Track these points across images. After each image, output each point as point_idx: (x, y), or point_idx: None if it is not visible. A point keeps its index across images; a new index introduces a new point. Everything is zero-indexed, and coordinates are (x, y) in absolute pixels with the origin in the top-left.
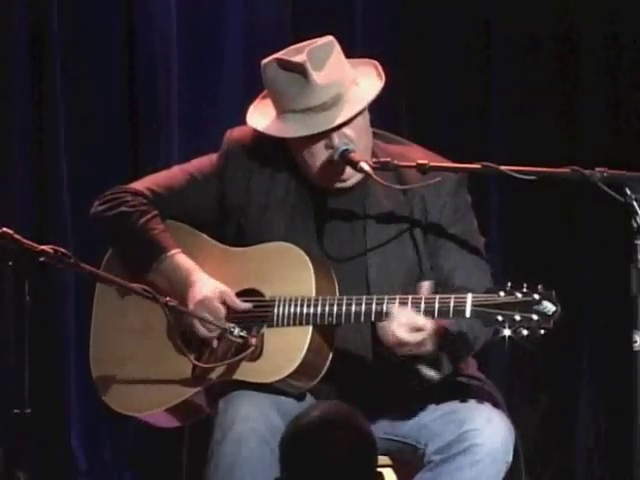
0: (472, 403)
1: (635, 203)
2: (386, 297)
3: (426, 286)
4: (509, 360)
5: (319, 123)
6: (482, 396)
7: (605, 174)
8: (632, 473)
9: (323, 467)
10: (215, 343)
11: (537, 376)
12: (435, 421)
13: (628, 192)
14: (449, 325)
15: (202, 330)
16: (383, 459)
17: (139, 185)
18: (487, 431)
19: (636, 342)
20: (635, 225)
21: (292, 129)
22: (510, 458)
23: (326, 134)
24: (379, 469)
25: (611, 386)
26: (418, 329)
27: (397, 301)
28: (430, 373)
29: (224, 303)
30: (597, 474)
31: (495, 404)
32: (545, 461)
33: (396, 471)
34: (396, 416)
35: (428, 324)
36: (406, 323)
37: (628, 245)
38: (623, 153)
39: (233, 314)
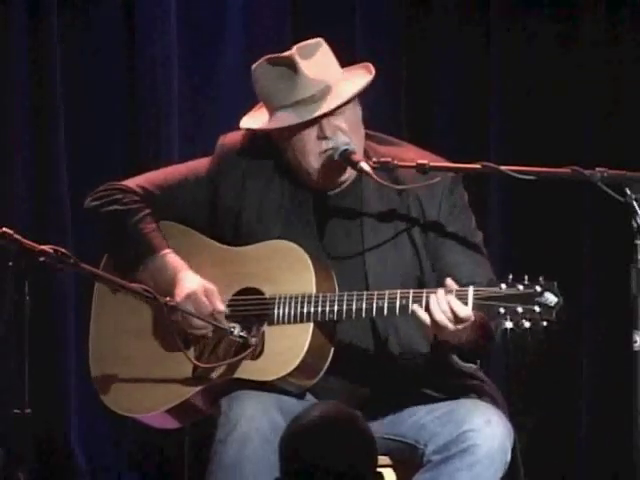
0: (471, 403)
1: (635, 203)
2: (387, 292)
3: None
4: (508, 360)
5: (308, 112)
6: (482, 396)
7: (605, 174)
8: (632, 473)
9: (323, 467)
10: (215, 343)
11: (536, 376)
12: (434, 421)
13: (628, 192)
14: (484, 318)
15: (198, 326)
16: (383, 459)
17: (131, 182)
18: (485, 432)
19: (636, 342)
20: (635, 225)
21: (282, 121)
22: (508, 458)
23: (316, 124)
24: (379, 469)
25: (611, 386)
26: (460, 319)
27: (442, 290)
28: (466, 365)
29: (208, 298)
30: (597, 474)
31: (495, 404)
32: (545, 461)
33: (396, 471)
34: (396, 416)
35: (472, 316)
36: (446, 309)
37: (628, 245)
38: (623, 153)
39: (233, 313)
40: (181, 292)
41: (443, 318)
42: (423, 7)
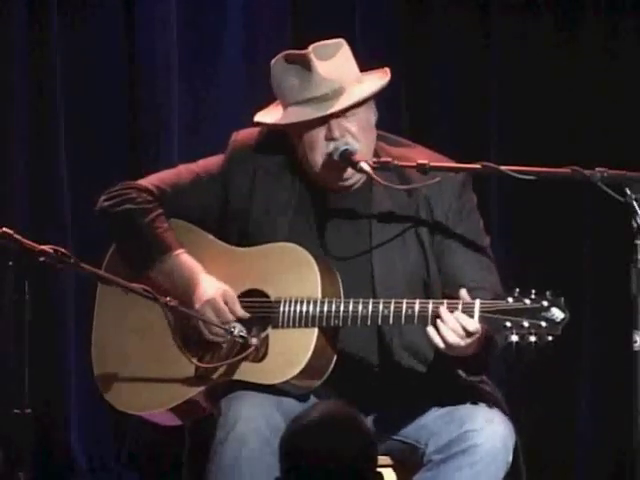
0: (472, 403)
1: (635, 203)
2: (393, 300)
3: (463, 293)
4: (508, 360)
5: (317, 110)
6: (483, 396)
7: (605, 174)
8: (632, 473)
9: (323, 467)
10: (217, 344)
11: (537, 376)
12: (435, 421)
13: (628, 192)
14: (489, 331)
15: (207, 331)
16: (383, 459)
17: (145, 182)
18: (487, 431)
19: (636, 342)
20: (635, 225)
21: (291, 116)
22: (510, 458)
23: (326, 124)
24: (379, 469)
25: (611, 386)
26: (470, 333)
27: (445, 305)
28: (470, 378)
29: (227, 304)
30: (597, 473)
31: (496, 404)
32: (545, 461)
33: (396, 471)
34: (397, 416)
35: (481, 328)
36: (457, 327)
37: (628, 245)
38: (623, 153)
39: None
40: (201, 297)
41: (456, 338)
42: (423, 7)
